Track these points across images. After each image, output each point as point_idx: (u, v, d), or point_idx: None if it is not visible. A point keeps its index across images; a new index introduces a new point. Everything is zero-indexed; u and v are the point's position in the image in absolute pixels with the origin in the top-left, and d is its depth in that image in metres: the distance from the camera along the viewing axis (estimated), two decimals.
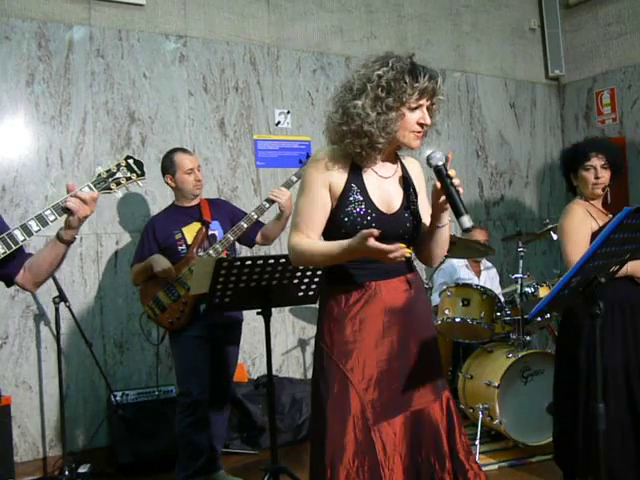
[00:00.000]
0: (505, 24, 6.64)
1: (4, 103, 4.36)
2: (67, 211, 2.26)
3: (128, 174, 2.46)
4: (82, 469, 4.16)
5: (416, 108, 2.28)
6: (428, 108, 2.31)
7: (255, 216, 3.84)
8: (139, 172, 2.50)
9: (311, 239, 2.32)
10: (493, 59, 6.54)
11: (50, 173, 4.47)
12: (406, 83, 2.23)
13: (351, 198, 2.31)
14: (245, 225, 3.82)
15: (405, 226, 2.35)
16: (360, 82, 2.28)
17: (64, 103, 4.54)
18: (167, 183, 3.98)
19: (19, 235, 2.24)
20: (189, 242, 3.82)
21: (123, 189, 2.46)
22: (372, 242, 2.06)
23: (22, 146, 4.41)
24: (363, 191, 2.33)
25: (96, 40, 4.67)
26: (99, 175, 2.41)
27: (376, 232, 2.06)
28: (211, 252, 3.72)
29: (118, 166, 2.45)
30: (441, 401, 2.36)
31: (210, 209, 3.95)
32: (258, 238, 4.01)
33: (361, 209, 2.30)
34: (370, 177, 2.36)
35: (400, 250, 2.10)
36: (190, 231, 3.85)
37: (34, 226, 2.25)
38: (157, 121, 4.84)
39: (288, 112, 5.35)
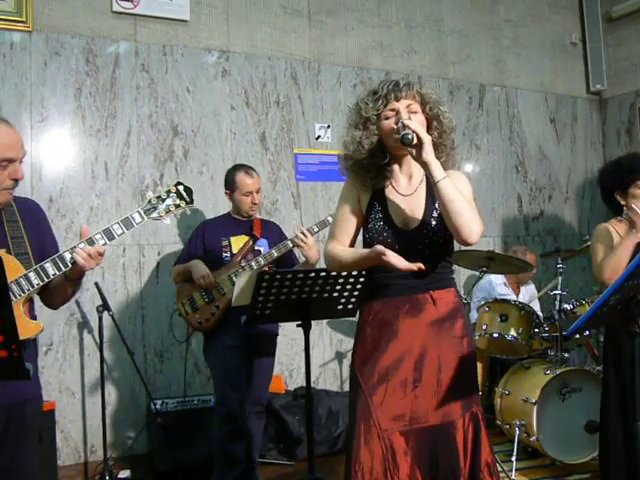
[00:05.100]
0: (546, 38, 6.63)
1: (52, 116, 4.49)
2: (74, 263, 2.26)
3: (177, 201, 2.47)
4: (122, 475, 4.24)
5: (390, 117, 2.41)
6: (412, 112, 2.40)
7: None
8: (188, 199, 2.50)
9: (343, 246, 2.53)
10: (533, 74, 6.52)
11: (95, 185, 4.58)
12: (368, 100, 2.44)
13: (372, 215, 2.48)
14: (290, 244, 3.82)
15: (424, 242, 2.42)
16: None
17: (110, 116, 4.65)
18: (226, 194, 4.05)
19: (67, 257, 2.27)
20: (234, 251, 3.88)
21: (171, 215, 2.47)
22: (385, 258, 2.30)
23: (69, 158, 4.53)
24: (383, 209, 2.48)
25: (141, 55, 4.78)
26: (149, 201, 2.43)
27: (383, 249, 2.30)
28: (253, 264, 3.77)
29: (168, 192, 2.46)
30: (464, 419, 2.37)
31: (261, 228, 4.00)
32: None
33: (379, 226, 2.46)
34: (391, 194, 2.49)
35: (409, 265, 2.29)
36: (237, 241, 3.91)
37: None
38: (199, 134, 4.93)
39: (328, 126, 5.41)
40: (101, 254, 2.28)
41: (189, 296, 3.88)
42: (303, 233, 3.77)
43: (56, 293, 2.40)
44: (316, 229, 3.87)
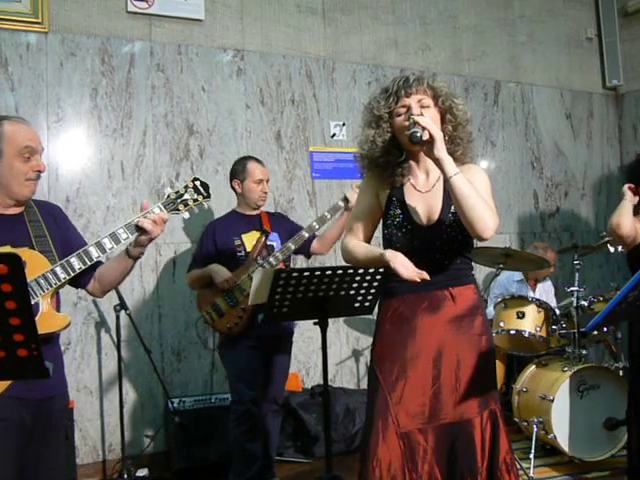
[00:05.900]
0: (561, 34, 6.58)
1: (69, 116, 4.51)
2: (140, 230, 2.34)
3: (195, 196, 2.54)
4: (140, 473, 4.26)
5: (402, 114, 2.41)
6: (424, 106, 2.40)
7: (317, 226, 3.88)
8: (205, 194, 2.57)
9: (359, 241, 2.57)
10: (549, 69, 6.48)
11: (112, 184, 4.60)
12: (380, 98, 2.46)
13: (391, 212, 2.49)
14: (306, 235, 3.86)
15: (442, 237, 2.42)
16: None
17: (125, 116, 4.67)
18: (233, 188, 4.00)
19: (94, 252, 2.33)
20: (248, 249, 3.85)
21: (190, 209, 2.54)
22: (392, 265, 2.34)
23: (85, 158, 4.56)
24: (402, 205, 2.48)
25: (156, 55, 4.80)
26: (168, 196, 2.50)
27: (390, 258, 2.35)
28: (271, 260, 3.77)
29: (186, 188, 2.54)
30: (482, 416, 2.37)
31: (270, 221, 3.99)
32: (314, 246, 4.03)
33: (398, 222, 2.47)
34: (409, 191, 2.49)
35: (414, 275, 2.30)
36: (249, 238, 3.89)
37: (107, 244, 2.33)
38: (215, 133, 4.94)
39: (343, 124, 5.41)
40: (165, 221, 2.38)
41: (212, 303, 3.82)
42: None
43: (112, 273, 2.47)
44: (328, 216, 3.94)
